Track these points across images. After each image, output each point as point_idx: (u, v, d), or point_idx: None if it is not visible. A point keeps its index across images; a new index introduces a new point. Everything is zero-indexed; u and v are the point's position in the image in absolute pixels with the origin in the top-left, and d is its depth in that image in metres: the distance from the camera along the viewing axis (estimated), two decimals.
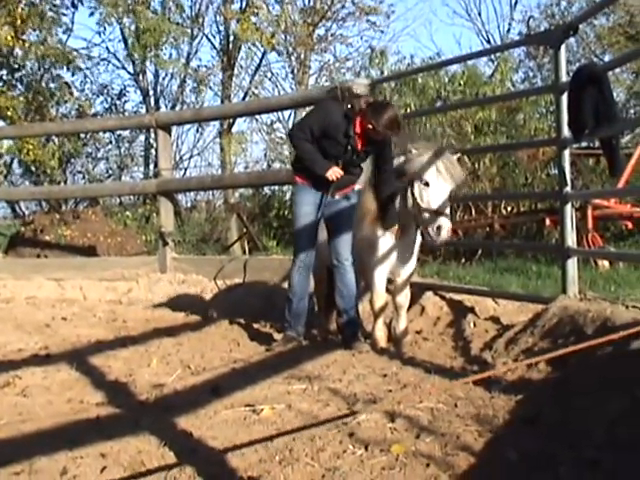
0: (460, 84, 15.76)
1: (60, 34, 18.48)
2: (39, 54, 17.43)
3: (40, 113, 17.18)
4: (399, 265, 6.67)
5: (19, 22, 16.23)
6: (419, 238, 6.67)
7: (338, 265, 6.56)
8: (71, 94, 19.06)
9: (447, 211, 6.23)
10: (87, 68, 19.57)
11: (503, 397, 4.55)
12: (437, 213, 6.09)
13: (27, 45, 16.99)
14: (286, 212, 16.92)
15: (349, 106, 6.34)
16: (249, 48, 20.01)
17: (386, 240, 6.55)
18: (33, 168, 17.42)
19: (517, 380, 4.90)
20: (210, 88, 21.14)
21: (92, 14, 18.72)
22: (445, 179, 6.19)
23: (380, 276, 6.62)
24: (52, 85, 18.66)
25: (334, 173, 6.26)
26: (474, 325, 6.86)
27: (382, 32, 22.61)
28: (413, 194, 6.25)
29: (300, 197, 6.62)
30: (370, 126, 6.17)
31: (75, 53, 18.78)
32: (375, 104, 6.44)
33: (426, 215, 6.14)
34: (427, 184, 6.16)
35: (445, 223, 6.05)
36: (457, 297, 7.41)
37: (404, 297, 6.75)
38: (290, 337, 6.61)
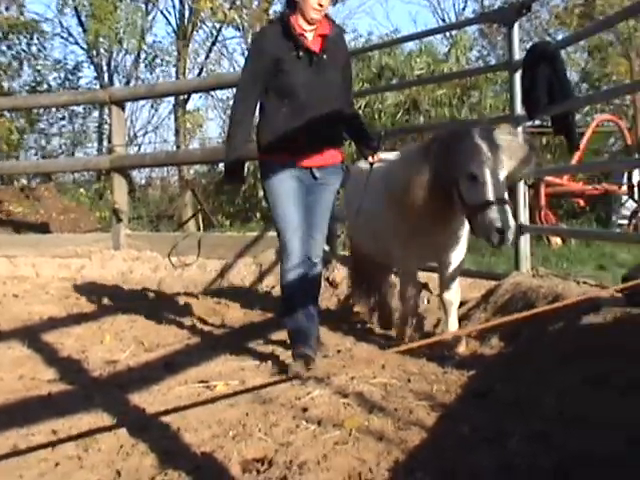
0: (416, 61, 15.82)
1: (13, 9, 18.21)
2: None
3: None
4: (443, 251, 5.36)
5: None
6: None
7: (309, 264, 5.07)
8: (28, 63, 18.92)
9: (507, 200, 4.52)
10: (41, 42, 19.28)
11: (456, 372, 4.60)
12: (489, 204, 4.41)
13: None
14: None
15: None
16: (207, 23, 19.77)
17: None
18: None
19: (469, 355, 4.94)
20: (166, 63, 20.96)
21: None
22: (497, 165, 4.48)
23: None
24: (3, 59, 18.41)
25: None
26: (427, 301, 6.86)
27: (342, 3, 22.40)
28: (459, 192, 4.57)
29: (274, 184, 4.98)
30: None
31: (35, 24, 18.49)
32: None
33: (480, 216, 4.46)
34: (474, 177, 4.46)
35: (507, 223, 4.38)
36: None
37: (454, 293, 5.49)
38: (304, 354, 4.90)
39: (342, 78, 5.13)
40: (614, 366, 3.87)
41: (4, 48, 18.27)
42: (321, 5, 4.77)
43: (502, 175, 4.48)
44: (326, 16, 4.96)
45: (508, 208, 4.41)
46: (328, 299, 6.92)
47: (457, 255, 5.36)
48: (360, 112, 5.78)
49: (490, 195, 4.38)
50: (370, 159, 5.25)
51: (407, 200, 4.79)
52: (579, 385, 3.79)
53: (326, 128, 4.98)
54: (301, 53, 4.86)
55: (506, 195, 4.46)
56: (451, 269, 5.39)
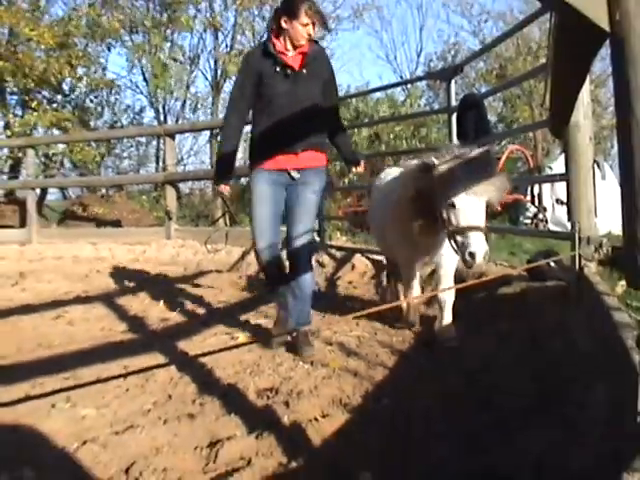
0: (382, 106, 15.85)
1: (99, 70, 18.18)
2: (89, 82, 17.33)
3: (84, 125, 16.85)
4: (435, 256, 4.34)
5: (74, 60, 15.97)
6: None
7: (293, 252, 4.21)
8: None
9: (481, 226, 3.52)
10: (117, 93, 19.19)
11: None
12: (468, 230, 3.48)
13: (77, 76, 16.80)
14: None
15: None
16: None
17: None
18: (78, 164, 17.05)
19: (419, 316, 4.91)
20: (204, 107, 20.88)
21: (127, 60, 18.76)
22: (476, 194, 3.53)
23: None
24: (91, 105, 18.36)
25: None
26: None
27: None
28: (441, 214, 3.66)
29: (253, 188, 4.15)
30: (284, 23, 3.95)
31: (112, 82, 18.46)
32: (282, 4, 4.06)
33: (459, 238, 3.54)
34: (453, 205, 3.54)
35: (478, 248, 3.42)
36: (377, 257, 7.37)
37: (448, 292, 4.28)
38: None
39: (323, 91, 4.13)
40: (516, 326, 3.90)
41: (92, 98, 18.21)
42: (309, 34, 3.96)
43: (481, 204, 3.54)
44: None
45: (481, 234, 3.49)
46: (318, 276, 6.86)
47: (449, 260, 4.28)
48: None
49: (466, 222, 3.49)
50: (354, 169, 4.46)
51: (400, 213, 4.11)
52: (495, 338, 3.80)
53: (303, 134, 4.05)
54: (278, 68, 3.98)
55: (482, 222, 3.54)
56: (443, 271, 4.34)
